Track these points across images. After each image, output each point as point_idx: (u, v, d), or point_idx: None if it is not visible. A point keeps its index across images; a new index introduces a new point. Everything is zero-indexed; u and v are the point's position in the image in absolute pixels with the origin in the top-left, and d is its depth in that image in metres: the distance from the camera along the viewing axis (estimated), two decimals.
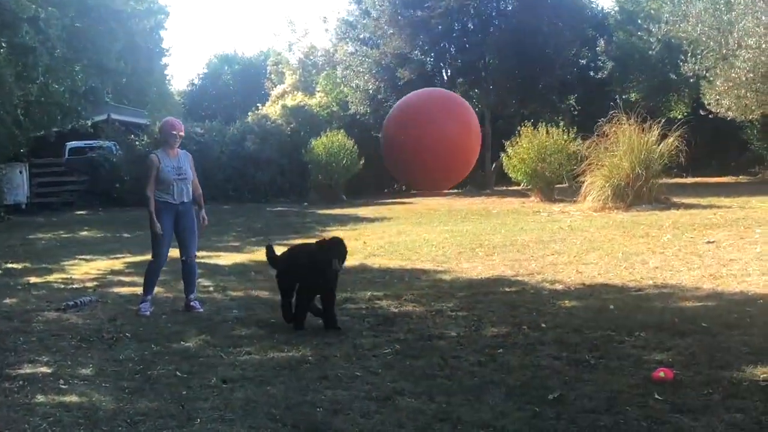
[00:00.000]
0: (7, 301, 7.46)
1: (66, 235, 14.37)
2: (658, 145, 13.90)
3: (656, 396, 3.98)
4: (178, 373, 4.73)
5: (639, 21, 22.74)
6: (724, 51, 16.15)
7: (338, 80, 27.32)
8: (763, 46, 14.95)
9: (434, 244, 10.64)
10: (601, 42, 24.62)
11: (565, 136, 16.51)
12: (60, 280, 8.78)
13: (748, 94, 16.13)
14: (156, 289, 6.97)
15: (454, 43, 25.32)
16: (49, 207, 20.80)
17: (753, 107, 16.54)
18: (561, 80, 24.77)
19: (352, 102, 25.26)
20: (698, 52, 17.33)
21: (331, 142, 20.77)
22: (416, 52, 24.81)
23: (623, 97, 22.81)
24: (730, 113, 17.01)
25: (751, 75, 15.61)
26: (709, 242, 9.12)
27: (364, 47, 25.69)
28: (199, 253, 7.09)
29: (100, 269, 9.61)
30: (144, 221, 7.26)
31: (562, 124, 17.50)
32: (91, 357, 5.20)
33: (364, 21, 25.76)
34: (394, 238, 11.68)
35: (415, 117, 21.60)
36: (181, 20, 75.35)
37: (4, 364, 5.01)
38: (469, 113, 22.78)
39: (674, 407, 3.82)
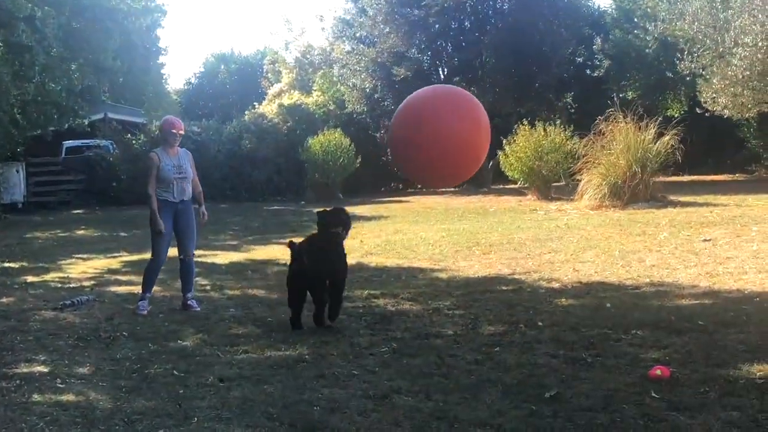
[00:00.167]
0: (4, 300, 7.46)
1: (63, 234, 14.35)
2: (655, 144, 13.93)
3: (653, 394, 3.99)
4: (175, 371, 4.73)
5: (635, 19, 22.71)
6: (721, 49, 16.15)
7: (335, 79, 27.27)
8: (760, 44, 14.95)
9: (431, 242, 10.66)
10: (598, 40, 24.60)
11: (561, 135, 16.54)
12: (57, 279, 8.78)
13: (744, 92, 16.12)
14: (153, 288, 6.97)
15: (450, 42, 25.26)
16: (46, 206, 20.74)
17: (749, 105, 16.53)
18: (558, 78, 24.73)
19: (348, 100, 25.22)
20: (695, 50, 17.33)
21: (327, 140, 20.77)
22: (413, 50, 24.74)
23: (620, 95, 22.77)
24: (726, 111, 17.01)
25: (748, 73, 15.61)
26: (705, 240, 9.14)
27: (361, 45, 25.62)
28: (196, 252, 7.08)
29: (97, 268, 9.61)
30: (141, 220, 7.27)
31: (558, 122, 17.50)
32: (88, 356, 5.20)
33: (361, 19, 25.69)
34: (391, 236, 11.70)
35: (425, 114, 21.51)
36: (178, 19, 75.29)
37: (1, 364, 5.00)
38: (479, 110, 22.69)
39: (671, 405, 3.83)
